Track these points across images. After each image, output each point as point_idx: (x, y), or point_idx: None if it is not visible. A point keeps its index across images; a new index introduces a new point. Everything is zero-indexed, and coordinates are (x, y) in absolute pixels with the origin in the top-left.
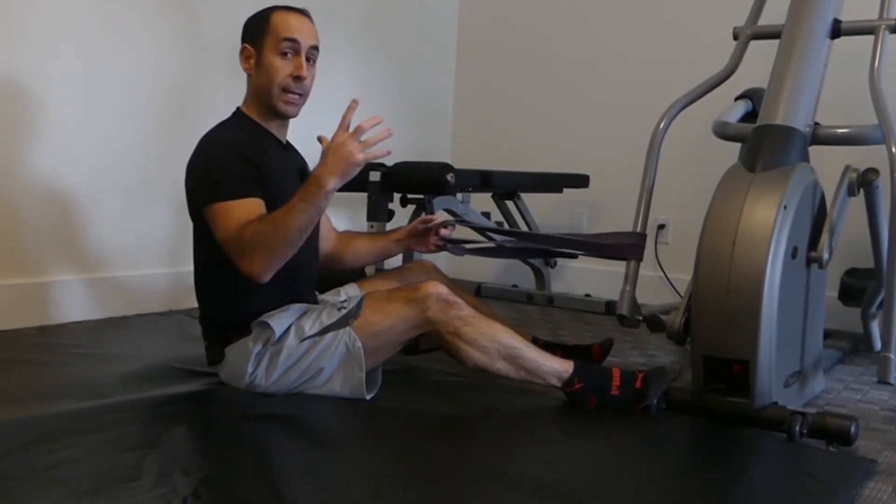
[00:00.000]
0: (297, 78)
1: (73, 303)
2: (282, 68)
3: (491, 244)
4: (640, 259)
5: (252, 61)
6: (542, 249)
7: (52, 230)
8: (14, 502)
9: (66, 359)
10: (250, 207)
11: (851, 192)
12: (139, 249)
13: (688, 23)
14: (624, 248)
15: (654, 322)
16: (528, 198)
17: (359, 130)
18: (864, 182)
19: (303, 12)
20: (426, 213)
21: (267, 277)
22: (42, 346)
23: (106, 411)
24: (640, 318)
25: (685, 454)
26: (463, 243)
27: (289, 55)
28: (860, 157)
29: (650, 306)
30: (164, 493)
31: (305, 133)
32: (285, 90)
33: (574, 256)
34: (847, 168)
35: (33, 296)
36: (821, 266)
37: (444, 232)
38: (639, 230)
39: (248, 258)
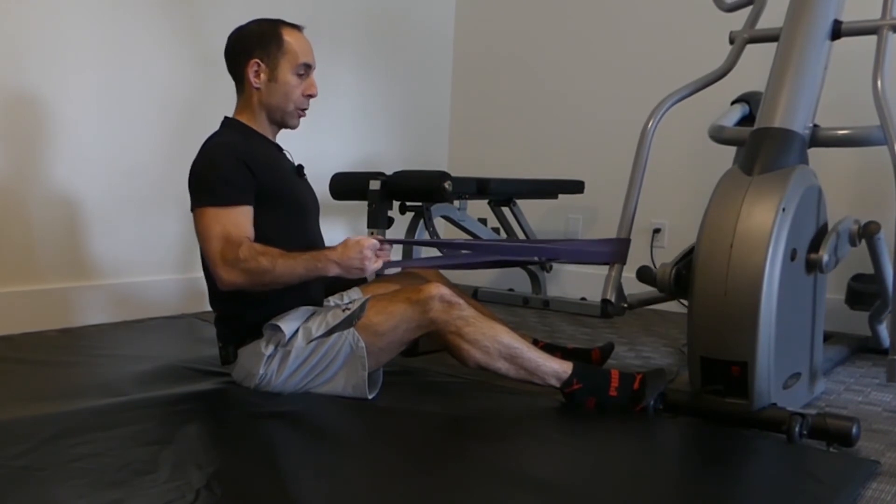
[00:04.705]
0: (311, 96)
1: (91, 307)
2: (297, 88)
3: (440, 256)
4: (623, 262)
5: (263, 77)
6: (509, 260)
7: (69, 239)
8: (43, 491)
9: (85, 359)
10: (238, 219)
11: (852, 243)
12: (151, 257)
13: (682, 30)
14: (605, 254)
15: (644, 273)
16: (523, 204)
17: (383, 251)
18: (865, 235)
19: (303, 30)
20: (424, 221)
21: (227, 290)
22: (63, 347)
23: (124, 408)
24: (626, 305)
25: (685, 455)
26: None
27: (303, 76)
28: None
29: (637, 294)
30: (179, 485)
31: (304, 138)
32: (298, 107)
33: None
34: (846, 219)
35: (54, 301)
36: (821, 270)
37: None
38: (629, 226)
39: (228, 269)
